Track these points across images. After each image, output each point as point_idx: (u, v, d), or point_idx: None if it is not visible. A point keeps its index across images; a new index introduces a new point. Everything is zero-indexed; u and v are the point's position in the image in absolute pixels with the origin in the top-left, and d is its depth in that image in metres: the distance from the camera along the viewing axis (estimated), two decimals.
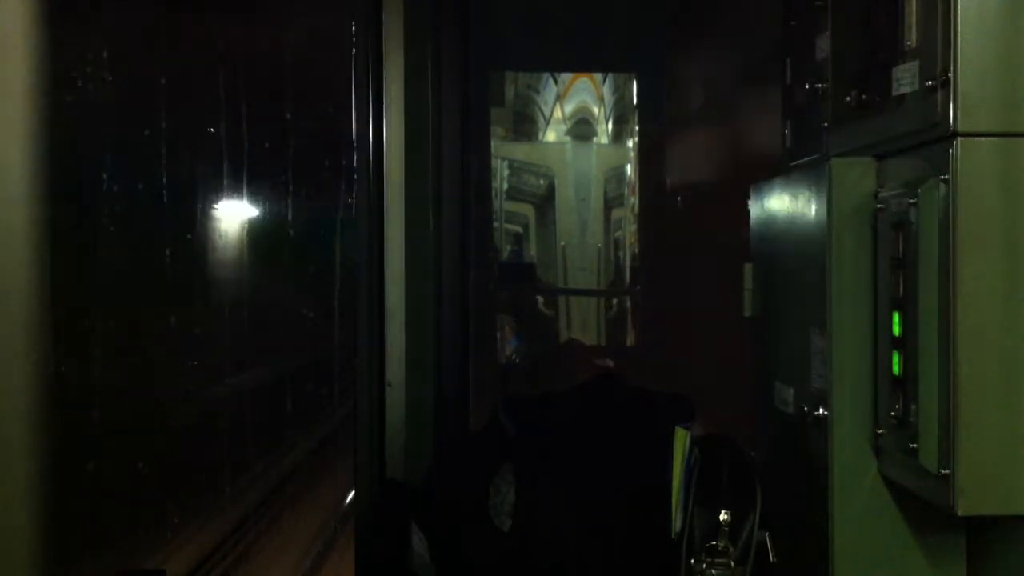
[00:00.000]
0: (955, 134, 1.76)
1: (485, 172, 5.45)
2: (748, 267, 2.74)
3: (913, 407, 1.85)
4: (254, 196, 2.43)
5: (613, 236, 6.06)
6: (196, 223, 2.12)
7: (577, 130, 6.08)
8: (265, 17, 2.68)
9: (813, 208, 2.22)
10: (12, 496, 0.95)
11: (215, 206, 2.21)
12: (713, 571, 2.20)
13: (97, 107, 1.63)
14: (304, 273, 2.96)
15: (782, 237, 2.48)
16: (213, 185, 2.19)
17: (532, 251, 5.98)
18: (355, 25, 2.86)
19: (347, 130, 2.86)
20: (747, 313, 2.75)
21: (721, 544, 2.20)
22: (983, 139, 1.76)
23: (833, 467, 2.09)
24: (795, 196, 2.35)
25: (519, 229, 5.96)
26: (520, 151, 6.01)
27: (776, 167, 2.70)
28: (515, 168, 5.99)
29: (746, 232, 2.79)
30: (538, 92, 6.05)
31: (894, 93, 1.94)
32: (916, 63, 1.87)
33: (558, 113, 6.03)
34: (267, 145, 2.61)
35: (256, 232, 2.46)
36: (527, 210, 5.97)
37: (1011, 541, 1.98)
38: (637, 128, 5.91)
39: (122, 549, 1.77)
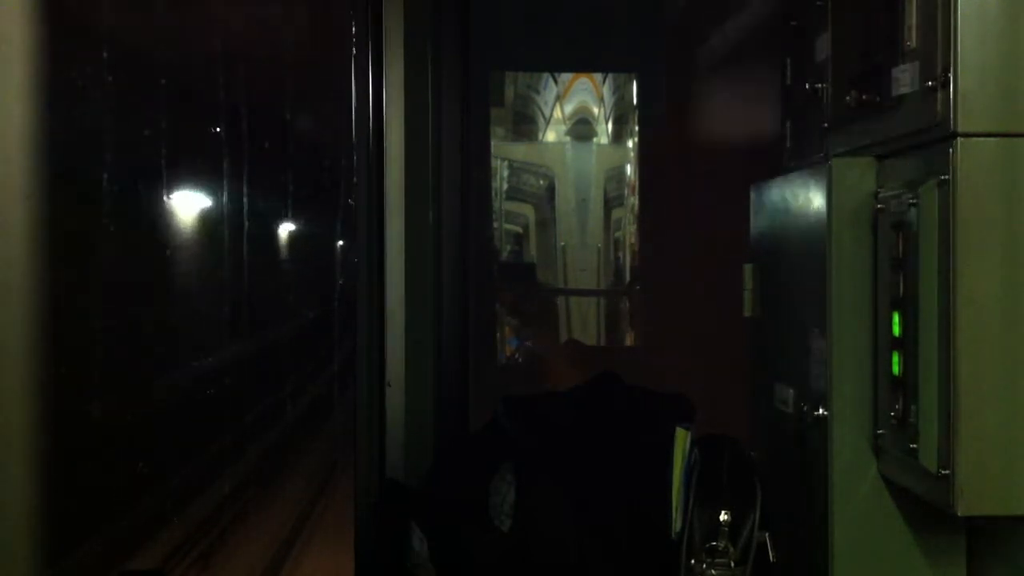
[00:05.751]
0: (955, 134, 1.76)
1: (485, 172, 5.45)
2: (748, 267, 2.74)
3: (913, 407, 1.85)
4: (253, 197, 2.43)
5: (613, 236, 6.05)
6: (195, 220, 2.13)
7: (577, 130, 6.06)
8: (265, 17, 2.68)
9: (813, 208, 2.21)
10: (11, 494, 0.95)
11: (211, 205, 2.22)
12: (713, 571, 2.20)
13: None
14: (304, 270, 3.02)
15: (782, 237, 2.48)
16: (211, 184, 2.20)
17: (532, 251, 5.96)
18: (355, 25, 2.85)
19: (347, 130, 2.86)
20: (747, 313, 2.75)
21: (721, 544, 2.20)
22: (983, 139, 1.76)
23: (833, 467, 2.09)
24: (795, 196, 2.35)
25: (519, 229, 5.95)
26: (520, 151, 5.99)
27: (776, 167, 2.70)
28: (515, 168, 5.98)
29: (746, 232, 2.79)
30: (538, 92, 6.04)
31: (894, 93, 1.94)
32: (916, 63, 1.87)
33: (558, 113, 6.01)
34: (266, 145, 2.61)
35: (256, 232, 2.48)
36: (527, 210, 5.96)
37: (1011, 541, 1.98)
38: (637, 128, 5.91)
39: None
